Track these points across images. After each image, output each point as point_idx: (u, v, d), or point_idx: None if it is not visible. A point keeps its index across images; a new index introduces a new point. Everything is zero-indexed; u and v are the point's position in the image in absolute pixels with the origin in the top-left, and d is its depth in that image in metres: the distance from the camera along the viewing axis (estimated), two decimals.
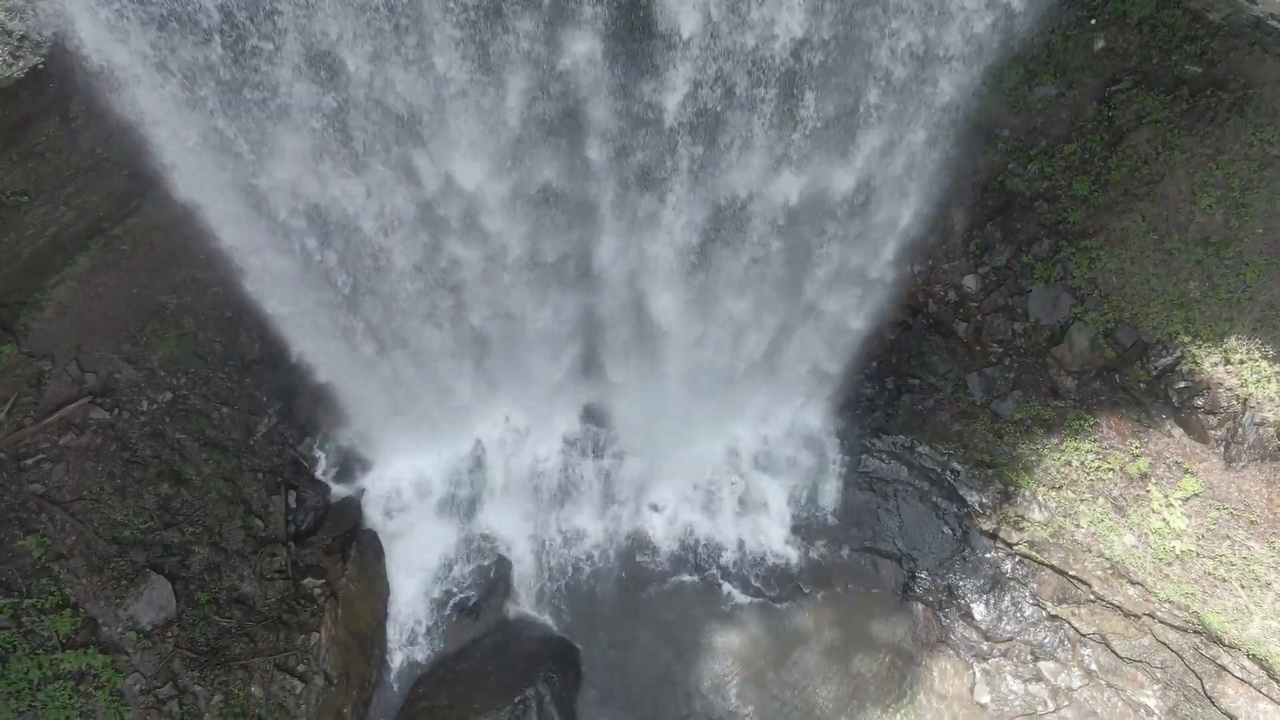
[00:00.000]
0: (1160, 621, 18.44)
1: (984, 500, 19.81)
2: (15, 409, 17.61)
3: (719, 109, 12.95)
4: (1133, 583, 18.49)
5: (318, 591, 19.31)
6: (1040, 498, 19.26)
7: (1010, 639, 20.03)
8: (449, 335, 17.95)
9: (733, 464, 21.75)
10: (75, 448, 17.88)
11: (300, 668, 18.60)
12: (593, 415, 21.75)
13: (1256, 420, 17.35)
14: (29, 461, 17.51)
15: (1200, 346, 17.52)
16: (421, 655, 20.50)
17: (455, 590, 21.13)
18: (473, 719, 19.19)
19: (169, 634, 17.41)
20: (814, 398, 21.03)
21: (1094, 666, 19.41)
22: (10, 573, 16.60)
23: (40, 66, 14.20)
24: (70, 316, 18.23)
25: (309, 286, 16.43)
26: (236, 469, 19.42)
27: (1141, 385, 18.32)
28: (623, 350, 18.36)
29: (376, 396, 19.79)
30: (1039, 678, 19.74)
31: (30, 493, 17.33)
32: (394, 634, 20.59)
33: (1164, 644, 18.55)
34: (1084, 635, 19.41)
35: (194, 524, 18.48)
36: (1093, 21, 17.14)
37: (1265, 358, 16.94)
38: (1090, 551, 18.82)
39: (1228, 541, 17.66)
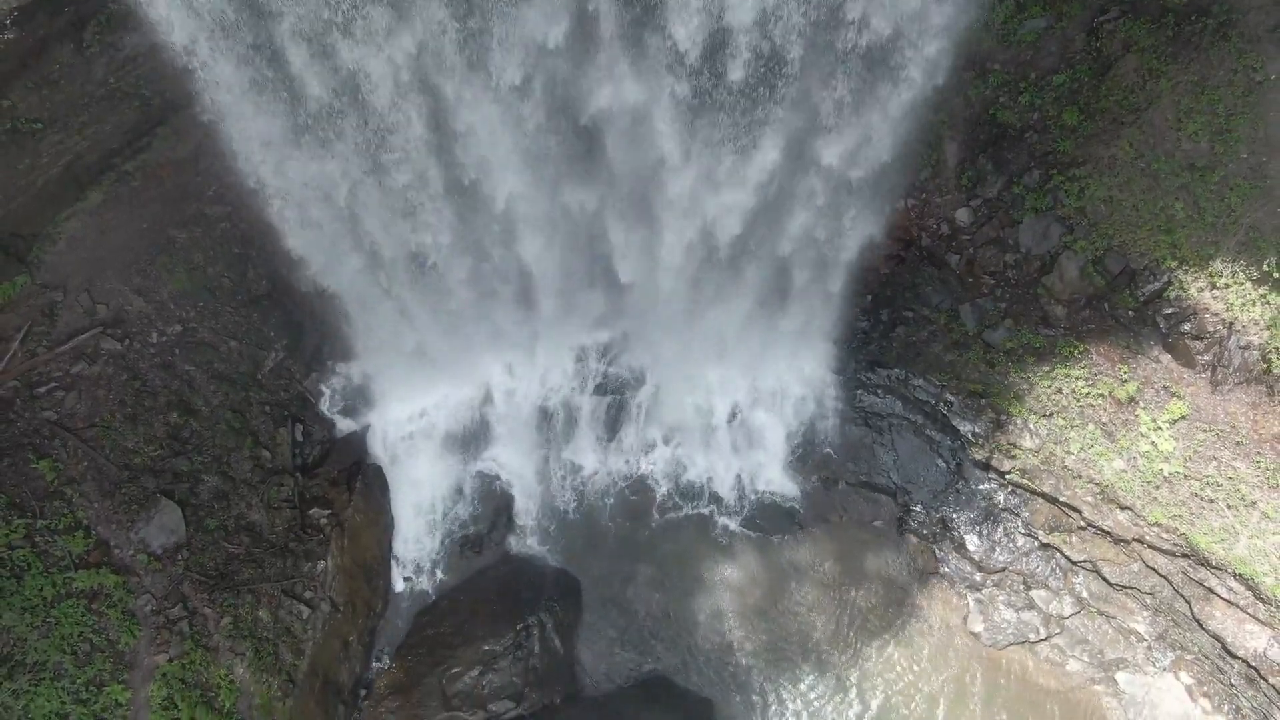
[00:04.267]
0: (1149, 546, 18.79)
1: (976, 430, 20.17)
2: (29, 338, 18.05)
3: None
4: (1122, 507, 18.85)
5: (324, 522, 19.72)
6: (1031, 425, 19.63)
7: (1003, 569, 20.39)
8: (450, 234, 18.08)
9: (731, 400, 22.10)
10: (87, 376, 18.31)
11: (307, 594, 19.00)
12: (595, 354, 22.16)
13: (1242, 343, 17.71)
14: (42, 389, 17.96)
15: (1187, 272, 17.88)
16: (425, 586, 20.95)
17: (459, 523, 21.57)
18: (476, 645, 19.60)
19: (179, 557, 17.82)
20: (810, 332, 21.37)
21: (1085, 594, 19.77)
22: (24, 494, 17.03)
23: None
24: (82, 249, 18.66)
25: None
26: (244, 401, 19.83)
27: (1130, 312, 18.68)
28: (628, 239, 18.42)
29: (384, 332, 20.17)
30: (1031, 606, 20.10)
31: (43, 419, 17.76)
32: (399, 565, 21.04)
33: (1153, 569, 18.90)
34: (1075, 563, 19.77)
35: (203, 453, 18.90)
36: None
37: (1250, 280, 17.30)
38: (1080, 477, 19.17)
39: (1214, 462, 18.01)
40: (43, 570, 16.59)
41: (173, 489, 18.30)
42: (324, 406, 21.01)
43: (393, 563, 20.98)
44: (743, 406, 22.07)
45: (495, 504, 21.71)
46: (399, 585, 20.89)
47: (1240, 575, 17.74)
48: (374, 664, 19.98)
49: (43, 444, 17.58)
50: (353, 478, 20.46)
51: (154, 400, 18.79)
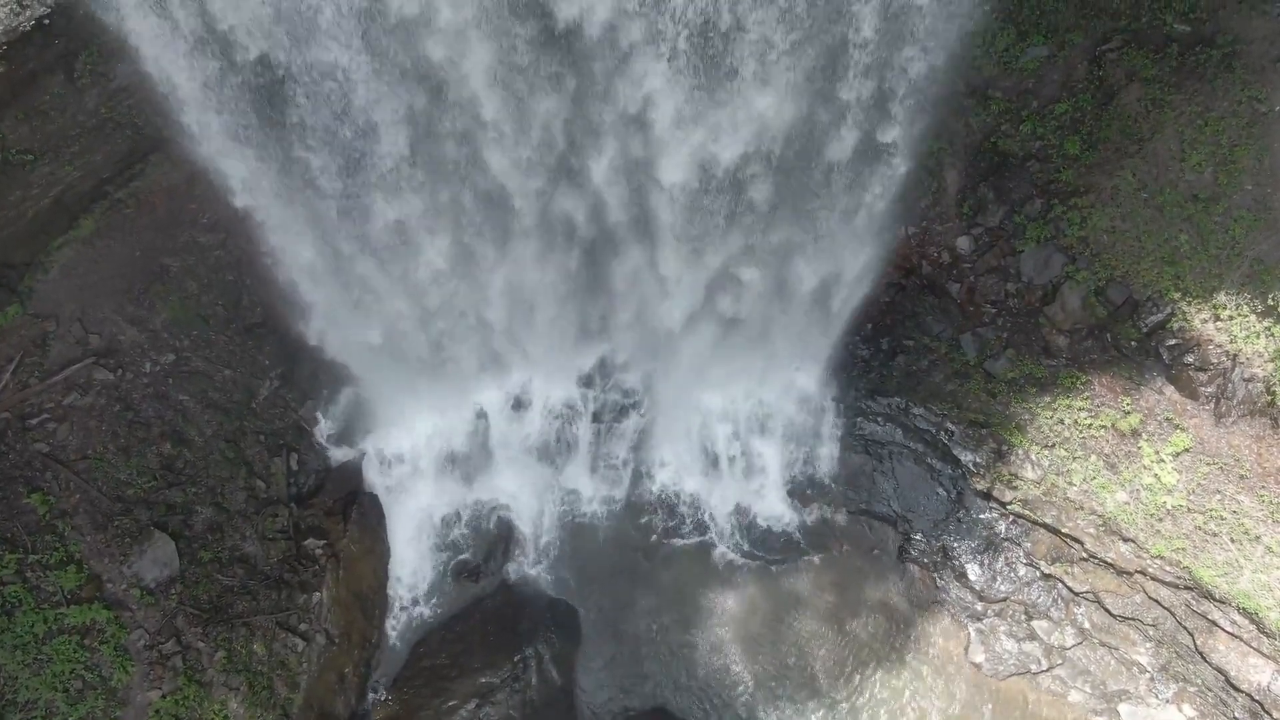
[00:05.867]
0: (1152, 578, 18.63)
1: (978, 460, 20.02)
2: (21, 369, 17.86)
3: None
4: (1125, 540, 18.69)
5: (319, 552, 19.54)
6: (1033, 456, 19.47)
7: (1004, 599, 20.23)
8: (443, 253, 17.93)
9: (730, 427, 21.93)
10: (79, 408, 18.12)
11: (302, 626, 18.83)
12: (593, 379, 21.98)
13: (1246, 376, 17.55)
14: (34, 421, 17.76)
15: (1190, 303, 17.73)
16: (422, 615, 20.76)
17: (455, 552, 21.39)
18: (473, 677, 19.43)
19: (172, 591, 17.64)
20: (810, 360, 21.23)
21: (1087, 625, 19.61)
22: (15, 529, 16.84)
23: (46, 21, 14.49)
24: (74, 278, 18.48)
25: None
26: (238, 431, 19.63)
27: (1132, 343, 18.53)
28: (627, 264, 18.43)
29: (378, 359, 19.99)
30: (1033, 637, 19.94)
31: (35, 451, 17.58)
32: (395, 595, 20.84)
33: (1156, 601, 18.74)
34: (1077, 594, 19.61)
35: (196, 484, 18.72)
36: None
37: (1254, 313, 17.16)
38: (1083, 509, 19.02)
39: (1218, 496, 17.86)
40: (34, 606, 16.42)
41: (166, 521, 18.11)
42: (319, 435, 20.81)
43: (389, 592, 20.77)
44: (742, 433, 21.90)
45: (492, 532, 21.52)
46: (395, 615, 20.69)
47: (1244, 609, 17.59)
48: (370, 695, 19.79)
49: (34, 477, 17.39)
50: (348, 507, 20.29)
51: (147, 431, 18.60)
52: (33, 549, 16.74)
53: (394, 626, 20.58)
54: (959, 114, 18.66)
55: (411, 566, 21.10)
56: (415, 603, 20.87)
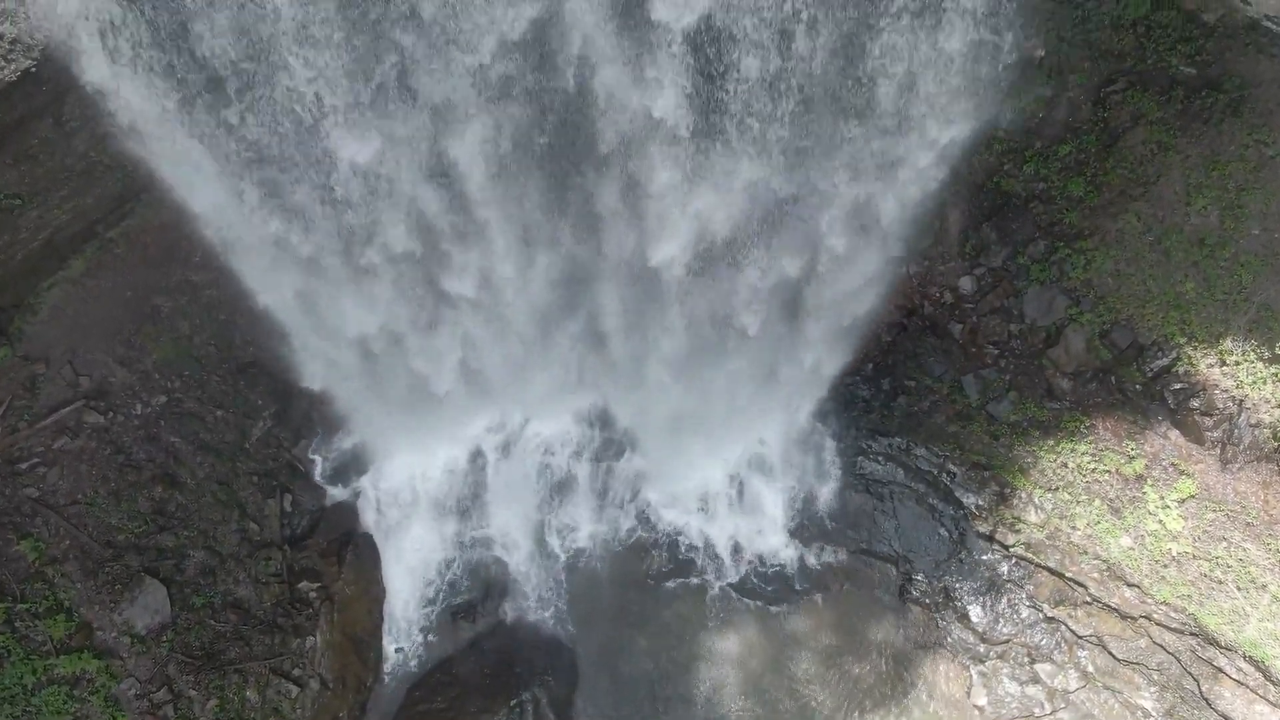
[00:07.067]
0: (1157, 623, 18.43)
1: (980, 502, 19.80)
2: (9, 412, 17.59)
3: None
4: (1129, 584, 18.48)
5: (313, 595, 19.29)
6: (1036, 499, 19.26)
7: (1007, 641, 20.01)
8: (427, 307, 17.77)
9: (729, 466, 21.72)
10: (69, 451, 17.86)
11: (296, 672, 18.59)
12: (589, 417, 21.76)
13: (1252, 422, 17.33)
14: (23, 465, 17.49)
15: (1196, 348, 17.52)
16: (418, 658, 20.48)
17: (452, 593, 21.11)
18: None
19: (164, 638, 17.41)
20: (810, 398, 21.02)
21: (1091, 668, 19.39)
22: (4, 576, 16.59)
23: (32, 69, 14.23)
24: (64, 319, 18.21)
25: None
26: (231, 472, 19.39)
27: (1137, 387, 18.31)
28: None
29: (371, 398, 19.77)
30: (1036, 680, 19.72)
31: (24, 496, 17.31)
32: (390, 637, 20.56)
33: (1161, 646, 18.54)
34: (1081, 637, 19.40)
35: (189, 528, 18.46)
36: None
37: (1261, 359, 16.94)
38: (1086, 553, 18.81)
39: (1224, 543, 17.65)
40: (23, 656, 16.16)
41: (157, 566, 17.85)
42: (313, 475, 20.56)
43: (384, 634, 20.51)
44: (741, 472, 21.69)
45: (488, 571, 21.25)
46: (390, 657, 20.40)
47: (1250, 657, 17.39)
48: None
49: (24, 523, 17.13)
50: (343, 548, 20.02)
51: (138, 474, 18.35)
52: (22, 597, 16.48)
53: (389, 669, 20.30)
54: (962, 155, 18.39)
55: (407, 607, 20.81)
56: (411, 643, 20.59)
